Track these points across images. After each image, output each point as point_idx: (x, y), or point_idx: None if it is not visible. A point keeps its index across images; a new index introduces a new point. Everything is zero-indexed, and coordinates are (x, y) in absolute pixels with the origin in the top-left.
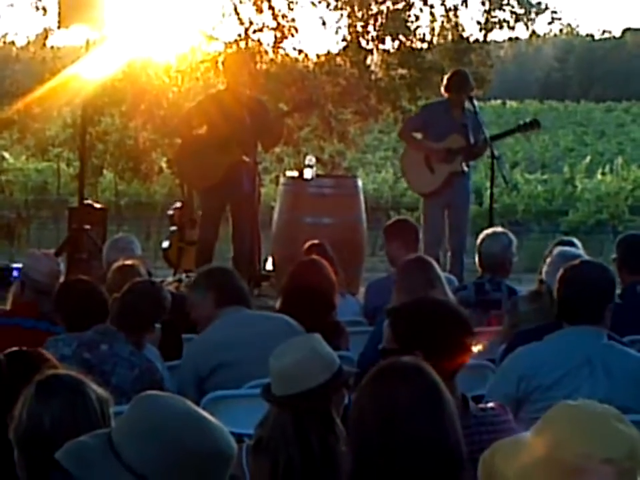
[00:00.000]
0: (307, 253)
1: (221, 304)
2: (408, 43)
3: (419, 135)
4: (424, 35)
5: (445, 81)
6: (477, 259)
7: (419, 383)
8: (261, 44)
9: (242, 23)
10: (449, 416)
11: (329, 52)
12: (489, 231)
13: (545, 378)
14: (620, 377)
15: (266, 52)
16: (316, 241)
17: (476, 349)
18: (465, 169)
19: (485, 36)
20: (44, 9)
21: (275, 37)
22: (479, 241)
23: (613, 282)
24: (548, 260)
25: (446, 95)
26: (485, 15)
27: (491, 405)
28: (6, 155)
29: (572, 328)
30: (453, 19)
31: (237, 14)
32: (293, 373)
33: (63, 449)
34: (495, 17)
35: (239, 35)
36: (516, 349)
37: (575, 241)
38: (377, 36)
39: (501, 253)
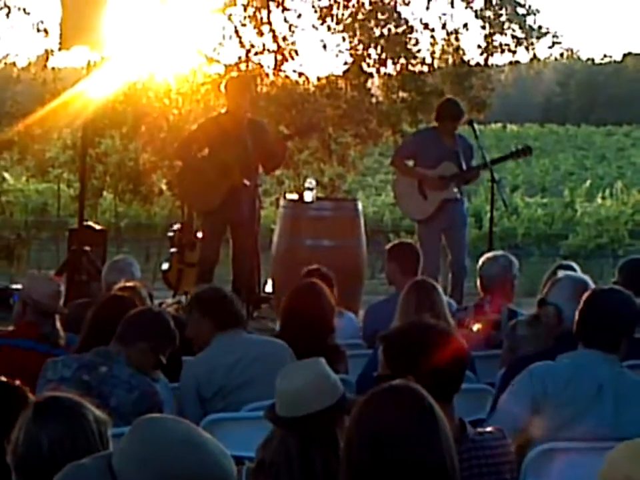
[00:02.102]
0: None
1: (218, 328)
2: (409, 67)
3: (410, 163)
4: (425, 58)
5: (435, 110)
6: (478, 282)
7: (409, 405)
8: (261, 66)
9: (243, 46)
10: (444, 437)
11: (329, 75)
12: (489, 254)
13: (556, 398)
14: (629, 405)
15: (267, 75)
16: (314, 266)
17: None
18: (458, 195)
19: (486, 60)
20: (45, 30)
21: (276, 59)
22: (479, 264)
23: (637, 315)
24: (557, 284)
25: (437, 123)
26: (486, 38)
27: (489, 429)
28: (6, 175)
29: (587, 351)
30: (454, 43)
31: (238, 36)
32: (302, 395)
33: (61, 472)
34: (496, 40)
35: (240, 58)
36: (528, 368)
37: (574, 265)
38: (378, 59)
39: (500, 275)
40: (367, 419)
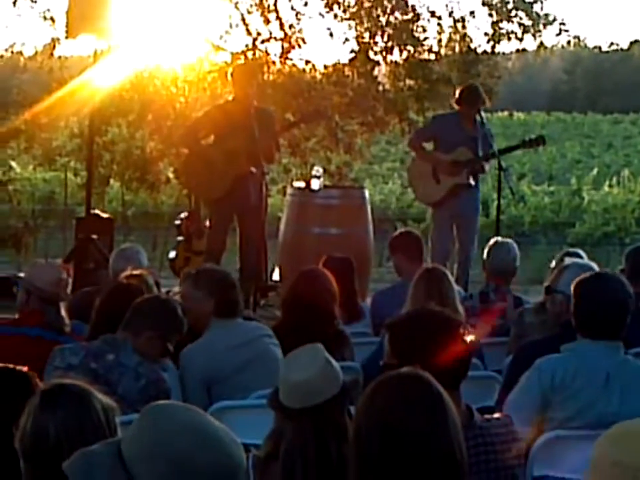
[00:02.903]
0: (324, 265)
1: (217, 314)
2: (416, 54)
3: (428, 146)
4: (432, 46)
5: (457, 94)
6: (484, 267)
7: (417, 393)
8: (268, 54)
9: (249, 34)
10: (452, 425)
11: (336, 63)
12: (497, 240)
13: (565, 391)
14: (635, 392)
15: (273, 62)
16: (339, 255)
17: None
18: (472, 182)
19: (493, 47)
20: (52, 19)
21: (283, 47)
22: (487, 249)
23: (631, 295)
24: (565, 271)
25: (457, 108)
26: (493, 26)
27: (496, 415)
28: (13, 164)
29: (590, 341)
30: (461, 31)
31: (245, 24)
32: (312, 385)
33: (71, 459)
34: (503, 28)
35: (247, 46)
36: (535, 364)
37: (581, 252)
38: (385, 47)
39: (510, 262)
40: (375, 408)
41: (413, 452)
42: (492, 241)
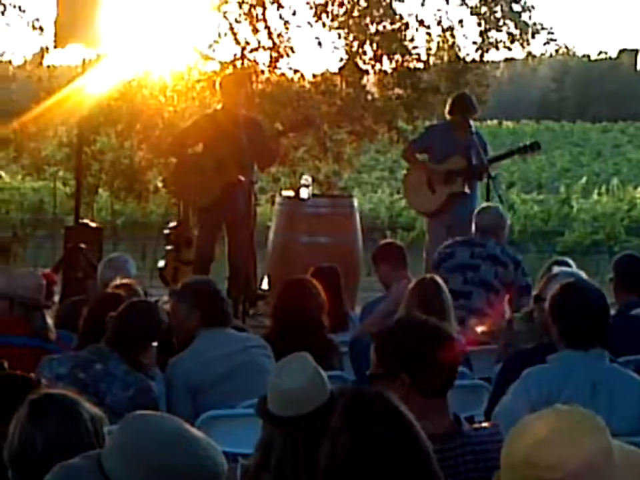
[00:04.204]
0: (311, 275)
1: (204, 323)
2: (404, 63)
3: (422, 156)
4: (420, 55)
5: (448, 103)
6: (476, 229)
7: (378, 410)
8: (256, 64)
9: (238, 43)
10: (413, 433)
11: (325, 72)
12: (484, 205)
13: (552, 401)
14: (622, 400)
15: (262, 72)
16: (326, 264)
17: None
18: (467, 190)
19: (482, 56)
20: (41, 28)
21: (271, 56)
22: (475, 212)
23: (606, 300)
24: (553, 280)
25: (449, 117)
26: (481, 35)
27: (484, 424)
28: (2, 173)
29: (577, 352)
30: (450, 39)
31: (234, 34)
32: (304, 393)
33: (51, 472)
34: (492, 37)
35: (235, 55)
36: (522, 375)
37: (570, 261)
38: (374, 56)
39: (496, 218)
40: (342, 429)
41: (383, 460)
42: (480, 206)
